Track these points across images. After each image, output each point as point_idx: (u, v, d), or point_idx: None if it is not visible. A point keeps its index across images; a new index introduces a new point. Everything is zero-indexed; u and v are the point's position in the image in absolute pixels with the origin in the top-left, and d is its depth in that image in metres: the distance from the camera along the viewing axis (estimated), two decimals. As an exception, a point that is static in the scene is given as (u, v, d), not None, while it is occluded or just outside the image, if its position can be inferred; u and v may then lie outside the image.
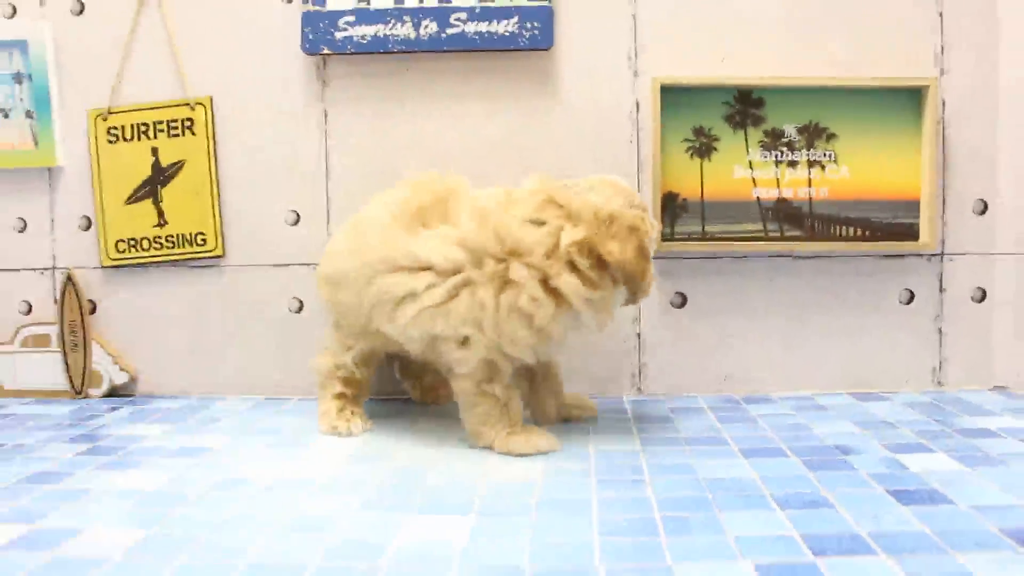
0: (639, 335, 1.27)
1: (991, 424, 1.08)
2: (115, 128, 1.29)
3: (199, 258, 1.30)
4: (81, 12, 1.29)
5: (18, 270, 1.33)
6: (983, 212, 1.25)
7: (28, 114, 1.29)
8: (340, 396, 1.14)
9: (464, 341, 0.99)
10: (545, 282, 0.96)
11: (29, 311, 1.33)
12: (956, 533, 0.73)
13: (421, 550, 0.72)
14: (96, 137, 1.29)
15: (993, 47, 1.23)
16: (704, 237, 1.24)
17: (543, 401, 1.13)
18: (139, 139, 1.29)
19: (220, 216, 1.29)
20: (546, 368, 1.12)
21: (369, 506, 0.84)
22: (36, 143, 1.30)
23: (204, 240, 1.29)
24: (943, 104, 1.24)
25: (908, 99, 1.23)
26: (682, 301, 1.27)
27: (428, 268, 0.99)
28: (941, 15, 1.23)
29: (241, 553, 0.72)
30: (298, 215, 1.29)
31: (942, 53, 1.24)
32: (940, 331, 1.27)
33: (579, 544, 0.72)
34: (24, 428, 1.15)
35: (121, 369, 1.31)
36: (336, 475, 0.94)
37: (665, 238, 1.23)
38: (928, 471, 0.90)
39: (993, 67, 1.24)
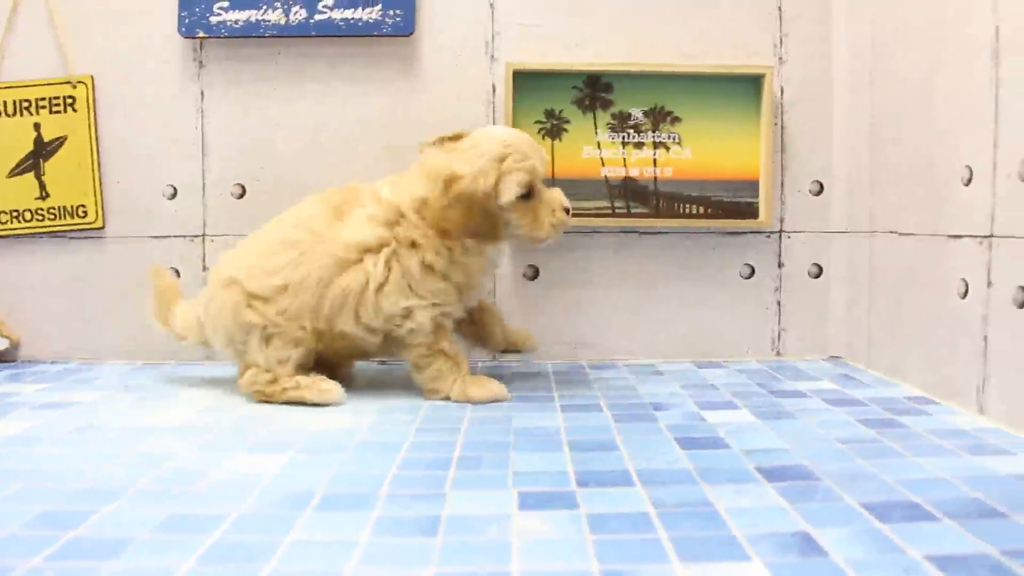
0: (493, 304, 1.36)
1: (806, 387, 1.18)
2: (-1, 103, 1.35)
3: (80, 229, 1.37)
4: (-37, -10, 1.36)
5: (-95, 240, 1.39)
6: (819, 193, 1.35)
7: (-87, 88, 1.35)
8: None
9: (407, 313, 1.09)
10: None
11: (-84, 280, 1.40)
12: (715, 471, 0.82)
13: (233, 479, 0.80)
14: (-20, 112, 1.36)
15: (827, 39, 1.34)
16: (556, 213, 1.33)
17: (490, 330, 1.23)
18: (21, 115, 1.35)
19: (101, 190, 1.36)
20: (481, 306, 1.22)
21: (205, 447, 0.92)
22: (-79, 117, 1.36)
23: (85, 212, 1.36)
24: (781, 91, 1.34)
25: (748, 86, 1.32)
26: (535, 273, 1.35)
27: (366, 250, 1.09)
28: (780, 8, 1.33)
29: (73, 479, 0.80)
30: (175, 189, 1.36)
31: (780, 44, 1.34)
32: (779, 304, 1.37)
33: (374, 475, 0.81)
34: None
35: (3, 335, 1.37)
36: (185, 423, 1.02)
37: (519, 213, 1.32)
38: (723, 423, 0.99)
39: (828, 57, 1.34)
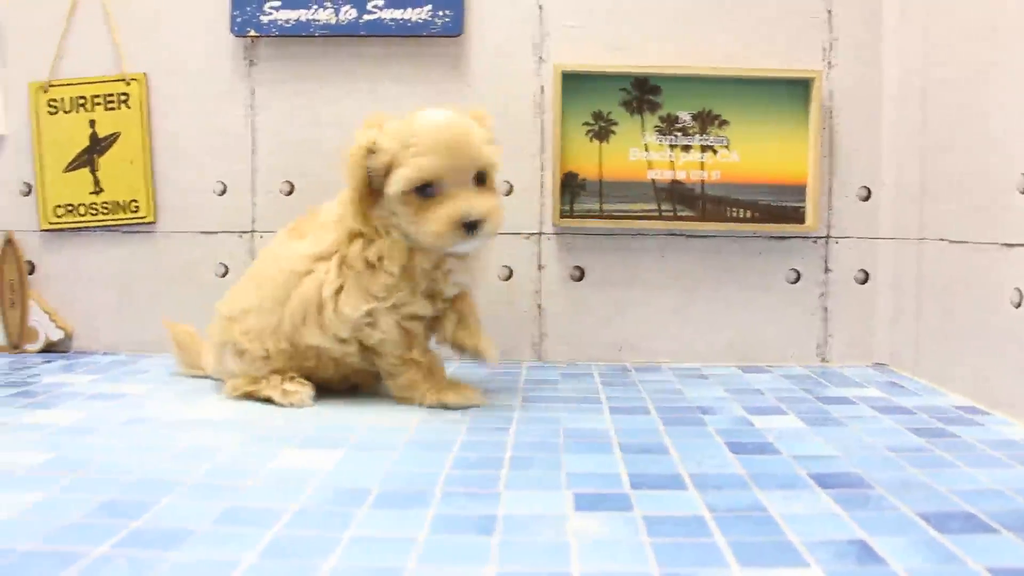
0: (539, 306, 1.36)
1: (852, 394, 1.18)
2: (55, 100, 1.38)
3: (132, 224, 1.39)
4: (24, -12, 1.38)
5: (-38, 232, 1.42)
6: (867, 198, 1.35)
7: (-28, 84, 1.39)
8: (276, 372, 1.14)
9: (371, 320, 1.06)
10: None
11: (-28, 271, 1.43)
12: (766, 476, 0.82)
13: (286, 474, 0.82)
14: (37, 108, 1.38)
15: (877, 43, 1.33)
16: (601, 215, 1.33)
17: (441, 323, 1.13)
18: (77, 111, 1.38)
19: (152, 185, 1.38)
20: (454, 301, 1.14)
21: (255, 440, 0.93)
22: (-20, 112, 1.39)
23: (137, 207, 1.38)
24: (830, 95, 1.33)
25: (797, 90, 1.32)
26: (580, 275, 1.36)
27: (320, 259, 1.08)
28: (830, 12, 1.33)
29: (130, 470, 0.81)
30: (225, 186, 1.38)
31: (830, 48, 1.33)
32: (825, 309, 1.36)
33: (428, 473, 0.82)
34: (-42, 377, 1.25)
35: (57, 326, 1.40)
36: (233, 417, 1.04)
37: (564, 215, 1.33)
38: (771, 429, 0.99)
39: (877, 62, 1.33)
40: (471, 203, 1.00)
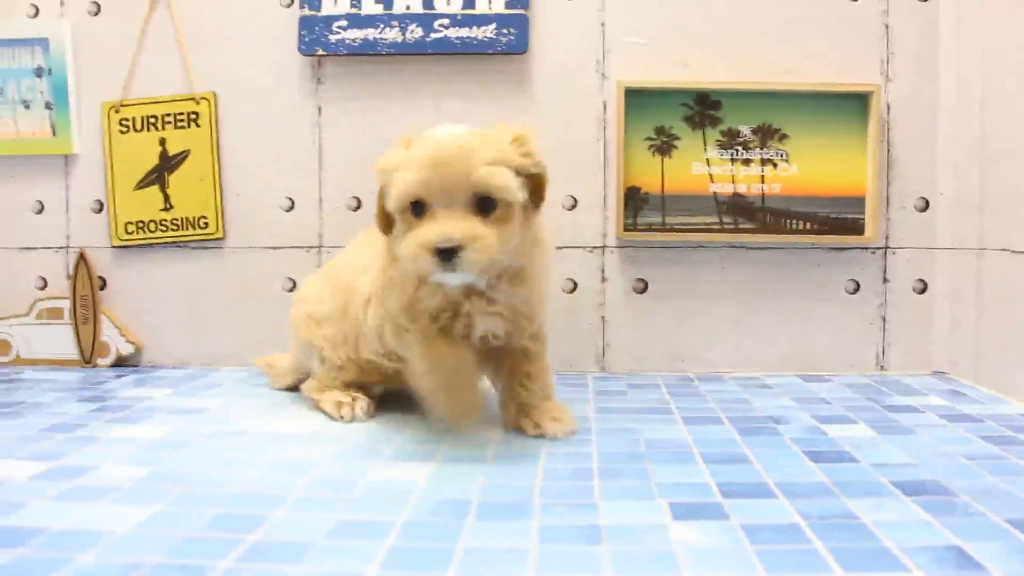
0: (603, 317, 1.40)
1: (917, 402, 1.20)
2: (127, 119, 1.43)
3: (201, 240, 1.44)
4: (97, 12, 1.43)
5: (35, 248, 1.47)
6: (924, 209, 1.38)
7: (47, 105, 1.43)
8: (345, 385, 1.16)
9: (381, 331, 1.04)
10: None
11: (44, 286, 1.47)
12: (852, 483, 0.85)
13: (386, 487, 0.85)
14: (109, 128, 1.43)
15: (934, 56, 1.36)
16: (664, 228, 1.36)
17: (504, 402, 1.09)
18: (148, 130, 1.43)
19: (221, 202, 1.43)
20: (512, 362, 1.08)
21: (345, 454, 0.97)
22: (54, 132, 1.44)
23: (206, 223, 1.43)
24: (888, 108, 1.36)
25: (855, 103, 1.35)
26: (643, 287, 1.39)
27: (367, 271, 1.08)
28: (887, 26, 1.36)
29: (232, 484, 0.85)
30: (293, 202, 1.43)
31: (887, 62, 1.36)
32: (884, 319, 1.39)
33: (523, 486, 0.85)
34: (40, 390, 1.29)
35: (128, 341, 1.45)
36: (319, 431, 1.07)
37: (628, 228, 1.36)
38: (844, 437, 1.02)
39: (933, 76, 1.36)
40: (450, 227, 0.89)
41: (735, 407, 1.18)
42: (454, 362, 0.98)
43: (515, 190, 0.93)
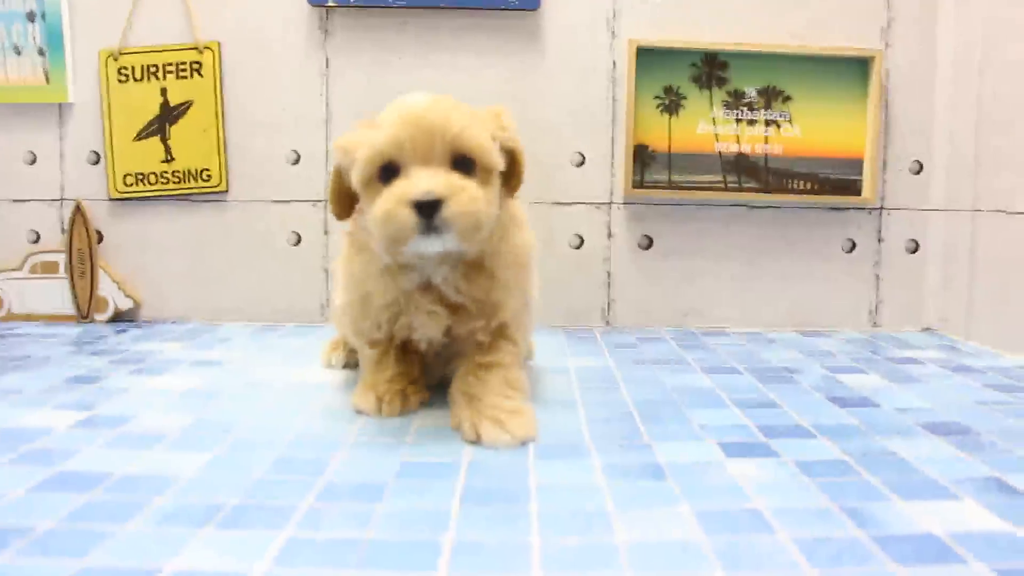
0: (609, 273, 1.44)
1: (917, 355, 1.27)
2: (125, 68, 1.41)
3: (204, 192, 1.43)
4: (94, -45, 1.41)
5: (27, 200, 1.45)
6: (918, 172, 1.44)
7: (40, 51, 1.40)
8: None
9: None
10: None
11: (37, 239, 1.45)
12: (881, 425, 0.91)
13: (436, 432, 0.88)
14: (107, 76, 1.41)
15: (932, 25, 1.42)
16: (670, 186, 1.41)
17: (451, 395, 0.94)
18: (149, 80, 1.41)
19: (225, 154, 1.42)
20: (472, 353, 0.94)
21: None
22: (47, 80, 1.41)
23: (209, 176, 1.42)
24: (887, 74, 1.42)
25: (856, 68, 1.41)
26: (648, 243, 1.43)
27: None
28: (888, -7, 1.41)
29: (283, 431, 0.87)
30: (298, 155, 1.42)
31: (888, 27, 1.41)
32: (877, 277, 1.46)
33: (573, 430, 0.89)
34: (45, 344, 1.28)
35: (126, 295, 1.43)
36: (346, 381, 1.09)
37: (635, 185, 1.40)
38: (860, 385, 1.08)
39: (931, 43, 1.42)
40: (429, 179, 0.80)
41: (747, 358, 1.23)
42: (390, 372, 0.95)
43: (495, 154, 0.86)
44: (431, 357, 0.98)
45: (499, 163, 0.87)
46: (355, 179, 0.85)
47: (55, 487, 0.71)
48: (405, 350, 0.96)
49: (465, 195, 0.81)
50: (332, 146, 0.96)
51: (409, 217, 0.80)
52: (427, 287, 0.89)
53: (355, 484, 0.73)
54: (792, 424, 0.91)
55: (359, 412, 0.93)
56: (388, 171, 0.83)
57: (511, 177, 0.92)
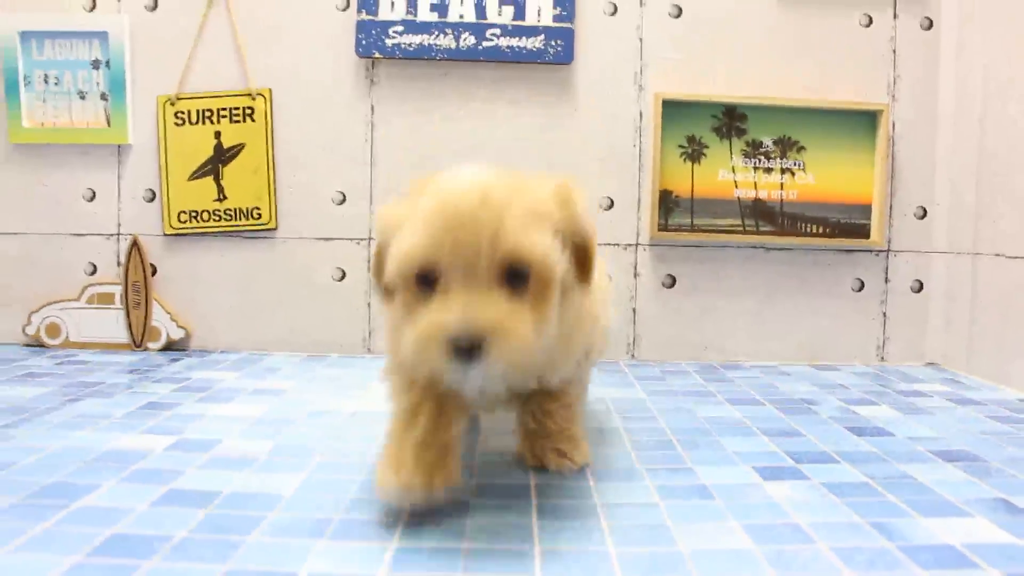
0: (634, 310, 1.56)
1: (922, 388, 1.40)
2: (182, 112, 1.53)
3: (254, 230, 1.55)
4: (155, 8, 1.53)
5: (85, 235, 1.56)
6: (923, 217, 1.58)
7: (103, 96, 1.52)
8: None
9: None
10: None
11: (94, 272, 1.56)
12: (897, 453, 1.03)
13: (499, 457, 0.99)
14: (164, 120, 1.53)
15: (935, 81, 1.56)
16: (692, 229, 1.54)
17: (517, 431, 0.96)
18: (204, 123, 1.53)
19: (275, 194, 1.54)
20: (531, 397, 0.93)
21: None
22: (108, 123, 1.53)
23: (260, 214, 1.54)
24: (893, 126, 1.56)
25: (865, 120, 1.54)
26: (672, 282, 1.56)
27: None
28: (894, 52, 1.55)
29: (362, 454, 0.98)
30: (344, 196, 1.55)
31: (894, 83, 1.55)
32: (884, 315, 1.59)
33: (620, 454, 1.00)
34: (108, 371, 1.38)
35: (178, 326, 1.54)
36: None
37: (660, 228, 1.53)
38: (874, 416, 1.20)
39: (934, 98, 1.56)
40: (471, 311, 0.68)
41: (767, 391, 1.35)
42: (431, 421, 0.80)
43: (556, 260, 0.72)
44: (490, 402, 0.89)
45: (560, 270, 0.73)
46: (388, 268, 0.74)
47: (173, 502, 0.81)
48: (445, 396, 0.81)
49: (515, 330, 0.69)
50: (378, 214, 0.78)
51: (442, 356, 0.68)
52: None
53: (442, 502, 0.84)
54: (817, 451, 1.02)
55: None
56: (426, 278, 0.71)
57: (579, 268, 0.79)
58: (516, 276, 0.71)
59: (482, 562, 0.70)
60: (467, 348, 0.67)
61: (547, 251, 0.71)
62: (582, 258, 0.79)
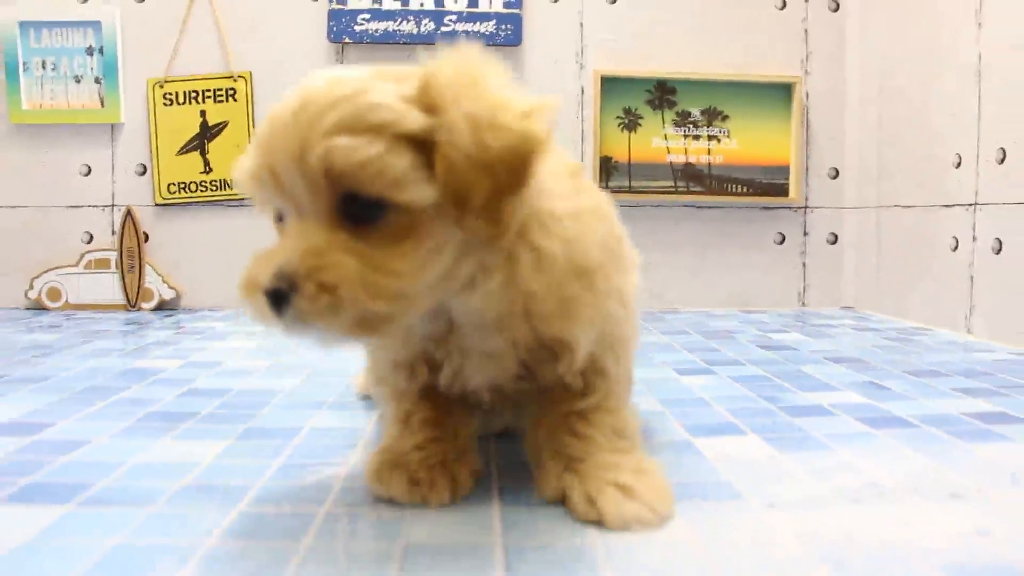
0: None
1: (832, 323, 1.65)
2: (170, 94, 1.74)
3: (237, 199, 1.76)
4: None
5: (82, 207, 1.77)
6: (835, 177, 1.83)
7: (97, 80, 1.73)
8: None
9: None
10: None
11: (91, 240, 1.77)
12: (796, 358, 1.27)
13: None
14: (154, 100, 1.74)
15: (842, 57, 1.81)
16: (631, 190, 1.78)
17: (539, 460, 0.71)
18: (190, 103, 1.74)
19: (255, 166, 1.75)
20: (553, 400, 0.71)
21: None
22: (102, 104, 1.74)
23: (242, 185, 1.75)
24: (807, 96, 1.81)
25: (781, 92, 1.79)
26: (615, 238, 1.80)
27: None
28: (806, 31, 1.80)
29: (348, 364, 1.20)
30: (318, 167, 1.76)
31: (807, 59, 1.81)
32: (804, 265, 1.84)
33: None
34: (111, 323, 1.59)
35: (169, 287, 1.75)
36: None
37: (601, 190, 1.76)
38: (784, 339, 1.45)
39: (842, 72, 1.82)
40: (281, 251, 0.57)
41: (696, 326, 1.59)
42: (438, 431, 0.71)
43: (403, 179, 0.56)
44: (494, 404, 0.73)
45: (418, 196, 0.57)
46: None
47: (195, 396, 1.03)
48: (446, 400, 0.72)
49: (327, 275, 0.55)
50: None
51: (257, 301, 0.57)
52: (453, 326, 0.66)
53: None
54: (729, 359, 1.27)
55: (382, 497, 0.68)
56: (278, 217, 0.63)
57: (500, 190, 0.58)
58: (368, 207, 0.56)
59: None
60: (272, 294, 0.55)
61: (379, 164, 0.55)
62: (504, 179, 0.57)
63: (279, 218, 0.62)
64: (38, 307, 1.75)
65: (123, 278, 1.74)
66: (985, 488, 0.70)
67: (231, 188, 1.75)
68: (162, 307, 1.77)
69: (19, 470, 0.72)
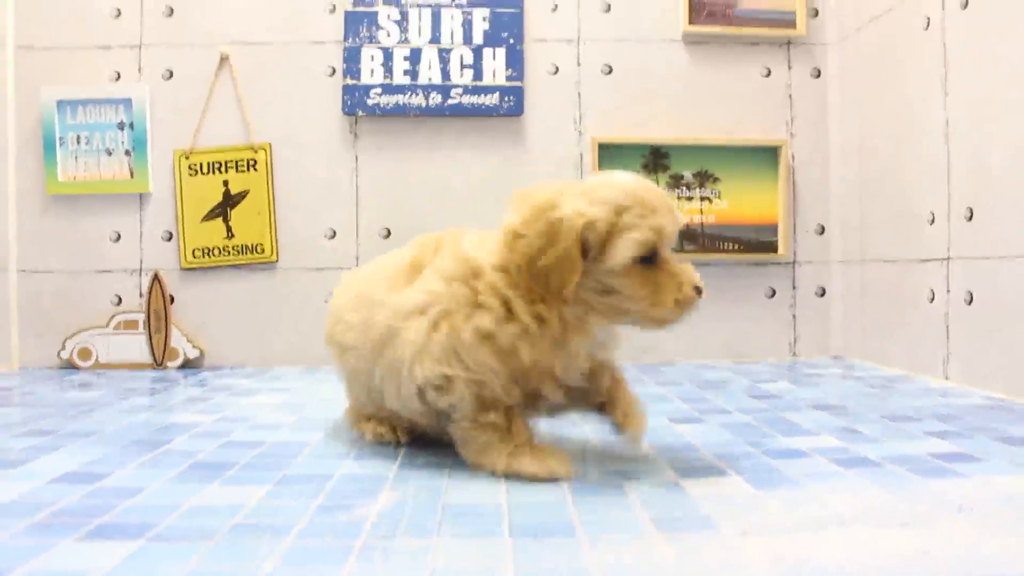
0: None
1: (820, 372, 1.76)
2: (195, 164, 1.88)
3: (258, 263, 1.89)
4: (171, 77, 1.89)
5: (112, 271, 1.90)
6: (821, 233, 1.96)
7: (127, 152, 1.87)
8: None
9: (445, 383, 0.97)
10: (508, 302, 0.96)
11: (119, 303, 1.89)
12: (781, 406, 1.38)
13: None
14: (180, 171, 1.88)
15: (824, 120, 1.95)
16: (629, 249, 1.90)
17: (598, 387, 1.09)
18: (213, 173, 1.88)
19: (276, 232, 1.89)
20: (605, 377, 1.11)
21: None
22: (132, 175, 1.88)
23: (263, 249, 1.88)
24: (792, 157, 1.94)
25: (768, 154, 1.93)
26: (614, 294, 1.92)
27: (416, 312, 1.00)
28: (790, 97, 1.95)
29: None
30: (334, 232, 1.90)
31: (791, 122, 1.95)
32: (794, 317, 1.96)
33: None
34: (141, 382, 1.71)
35: (194, 346, 1.88)
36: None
37: (602, 249, 1.90)
38: (773, 388, 1.56)
39: (825, 134, 1.96)
40: (684, 272, 0.99)
41: (690, 376, 1.71)
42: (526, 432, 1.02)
43: None
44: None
45: None
46: (621, 256, 0.93)
47: (232, 447, 1.15)
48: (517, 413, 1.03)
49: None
50: (568, 220, 0.92)
51: (695, 299, 1.00)
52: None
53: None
54: (719, 408, 1.38)
55: (540, 478, 0.97)
56: (649, 256, 0.96)
57: None
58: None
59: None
60: (698, 288, 1.02)
61: None
62: None
63: (650, 257, 0.95)
64: (70, 366, 1.88)
65: (150, 338, 1.87)
66: (932, 517, 0.81)
67: (252, 252, 1.89)
68: (187, 365, 1.89)
69: (91, 512, 0.84)
